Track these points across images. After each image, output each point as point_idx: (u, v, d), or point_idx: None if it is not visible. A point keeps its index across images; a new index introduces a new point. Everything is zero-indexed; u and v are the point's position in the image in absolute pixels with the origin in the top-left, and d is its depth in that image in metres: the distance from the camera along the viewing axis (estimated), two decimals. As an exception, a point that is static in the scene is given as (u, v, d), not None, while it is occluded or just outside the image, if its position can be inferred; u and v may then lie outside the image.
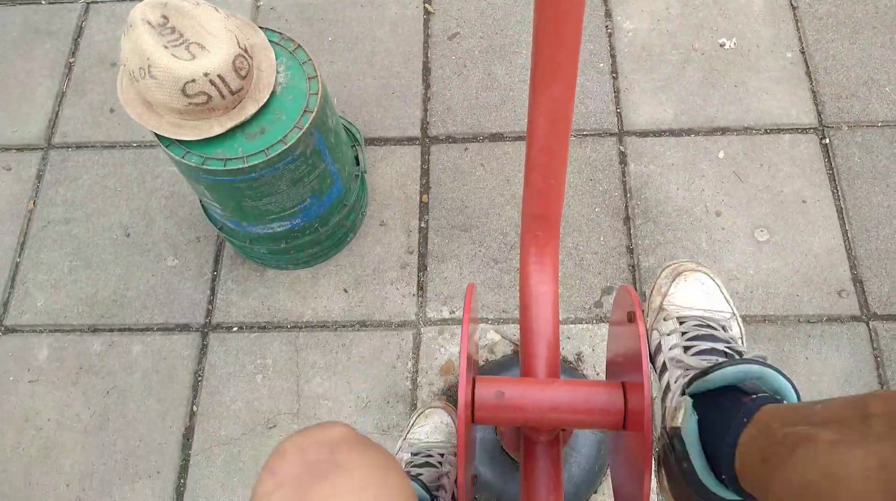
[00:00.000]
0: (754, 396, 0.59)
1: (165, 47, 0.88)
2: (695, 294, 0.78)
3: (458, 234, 1.31)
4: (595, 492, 1.11)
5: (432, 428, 1.06)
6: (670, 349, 0.72)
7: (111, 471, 1.15)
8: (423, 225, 1.32)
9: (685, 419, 0.61)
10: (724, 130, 1.39)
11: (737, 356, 0.68)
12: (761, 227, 1.30)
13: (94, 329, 1.26)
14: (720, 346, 0.69)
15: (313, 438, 0.43)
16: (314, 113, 0.94)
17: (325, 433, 0.43)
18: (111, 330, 1.25)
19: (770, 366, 0.60)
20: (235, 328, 1.25)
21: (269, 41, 0.98)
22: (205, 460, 1.15)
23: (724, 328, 0.74)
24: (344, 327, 1.24)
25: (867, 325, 1.21)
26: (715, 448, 0.58)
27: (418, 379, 1.20)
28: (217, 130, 0.91)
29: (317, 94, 0.96)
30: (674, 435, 0.63)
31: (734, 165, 1.36)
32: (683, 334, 0.72)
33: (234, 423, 1.17)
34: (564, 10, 0.65)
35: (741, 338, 0.75)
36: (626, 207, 1.32)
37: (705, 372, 0.63)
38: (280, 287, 1.27)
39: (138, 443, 1.17)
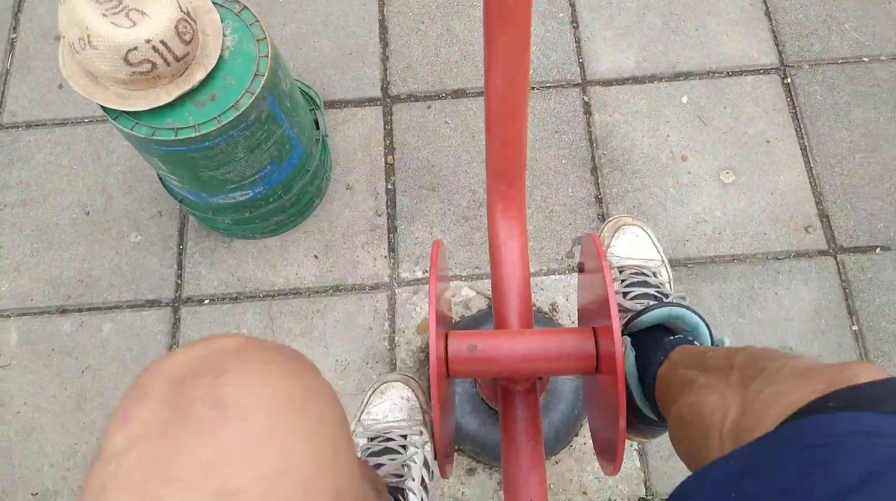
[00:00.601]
0: (672, 337, 0.70)
1: (104, 15, 0.84)
2: (631, 246, 0.91)
3: (426, 194, 1.30)
4: (577, 434, 1.13)
5: (391, 406, 0.95)
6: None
7: (93, 449, 1.14)
8: (389, 187, 1.31)
9: (626, 355, 0.71)
10: (686, 75, 1.38)
11: (664, 299, 0.81)
12: (727, 169, 1.30)
13: (63, 310, 1.23)
14: (651, 290, 0.81)
15: (187, 359, 0.30)
16: (265, 76, 0.92)
17: (204, 351, 0.30)
18: (80, 310, 1.23)
19: (687, 307, 0.72)
20: (207, 301, 1.23)
21: (213, 3, 0.95)
22: (185, 434, 1.14)
23: (654, 274, 0.86)
24: (317, 292, 1.23)
25: (835, 258, 1.23)
26: (645, 379, 0.70)
27: (396, 339, 1.20)
28: (165, 99, 0.89)
29: (267, 56, 0.93)
30: None
31: (698, 109, 1.35)
32: (623, 281, 0.84)
33: (211, 396, 1.17)
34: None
35: (669, 282, 0.89)
36: (593, 157, 1.32)
37: (638, 315, 0.74)
38: (249, 257, 1.26)
39: (116, 423, 1.16)
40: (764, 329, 1.19)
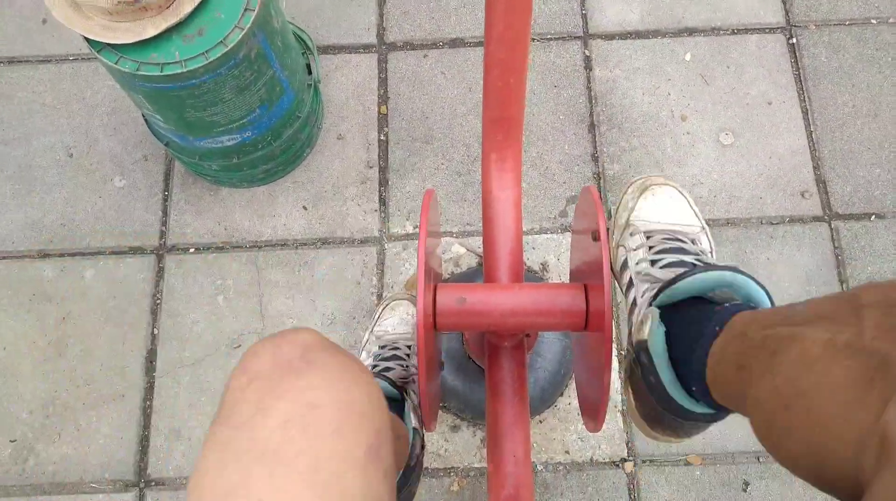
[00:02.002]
0: (726, 304, 0.55)
1: (86, -61, 0.80)
2: (663, 209, 0.74)
3: (420, 146, 1.27)
4: (561, 395, 1.13)
5: (399, 320, 1.04)
6: (637, 263, 0.69)
7: (73, 397, 1.13)
8: (382, 138, 1.28)
9: (652, 330, 0.58)
10: (691, 31, 1.34)
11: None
12: (726, 130, 1.28)
13: (44, 255, 1.21)
14: (689, 258, 0.65)
15: (285, 339, 0.43)
16: (256, 11, 0.88)
17: (296, 336, 0.44)
18: (61, 255, 1.21)
19: (742, 272, 0.57)
20: (192, 250, 1.21)
21: (204, -67, 0.90)
22: (170, 381, 1.14)
23: (693, 241, 0.70)
24: (305, 245, 1.21)
25: (829, 225, 1.22)
26: (684, 360, 0.55)
27: (384, 295, 1.18)
28: (151, 31, 0.85)
29: (258, -9, 0.89)
30: (640, 349, 0.61)
31: (701, 67, 1.32)
32: (651, 248, 0.69)
33: (197, 344, 1.15)
34: None
35: (711, 252, 0.72)
36: (591, 114, 1.29)
37: (673, 281, 0.59)
38: (236, 206, 1.23)
39: (99, 368, 1.14)
40: (755, 294, 1.18)
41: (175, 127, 1.00)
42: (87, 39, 0.87)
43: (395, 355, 0.97)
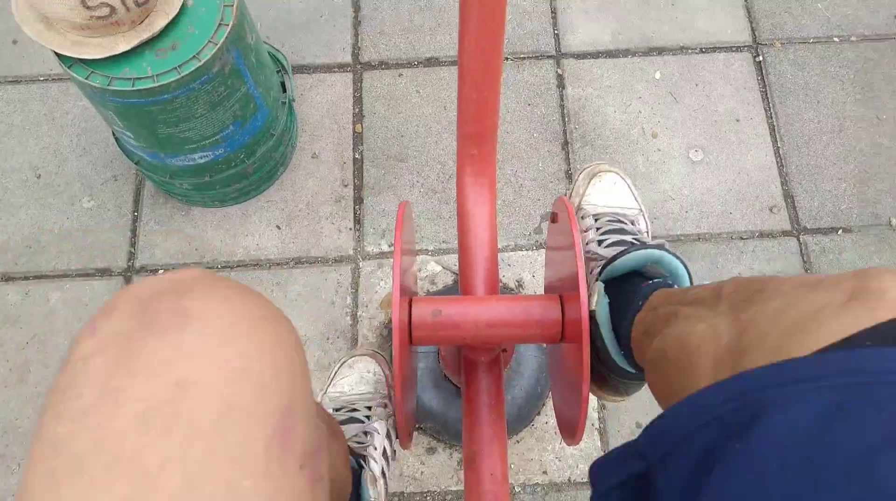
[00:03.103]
0: (652, 281, 0.65)
1: (56, -46, 0.79)
2: (607, 193, 0.86)
3: (395, 164, 1.27)
4: (538, 413, 1.12)
5: (357, 379, 0.96)
6: (587, 244, 0.78)
7: (35, 425, 1.09)
8: (357, 156, 1.27)
9: (598, 302, 0.66)
10: (660, 51, 1.37)
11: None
12: (696, 147, 1.30)
13: (8, 278, 1.18)
14: (628, 238, 0.76)
15: (155, 282, 0.32)
16: (230, 26, 0.87)
17: (172, 277, 0.32)
18: (26, 278, 1.17)
19: (667, 251, 0.67)
20: (161, 271, 1.18)
21: (175, -49, 0.90)
22: (138, 406, 1.10)
23: (632, 222, 0.81)
24: (279, 264, 1.20)
25: (798, 239, 1.24)
26: (620, 328, 0.64)
27: (358, 314, 1.17)
28: (123, 46, 0.84)
29: (232, 6, 0.89)
30: (590, 319, 0.68)
31: (670, 85, 1.35)
32: (598, 229, 0.79)
33: (167, 367, 1.12)
34: None
35: (647, 232, 0.83)
36: (565, 131, 1.30)
37: (613, 259, 0.69)
38: (207, 226, 1.21)
39: (65, 393, 1.11)
40: (729, 307, 1.19)
41: (146, 144, 0.99)
42: (57, 55, 0.86)
43: (352, 417, 0.87)
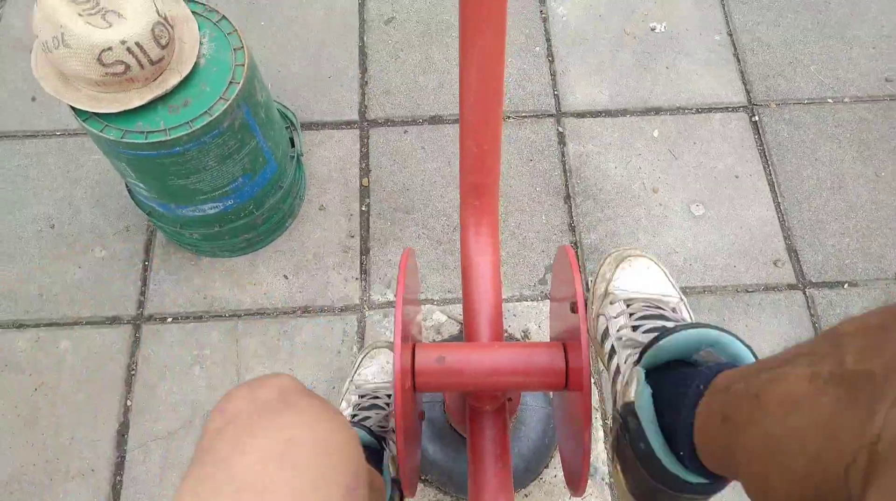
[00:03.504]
0: (710, 364, 0.53)
1: (80, 15, 0.84)
2: (640, 278, 0.75)
3: (401, 216, 1.29)
4: (546, 466, 1.10)
5: (378, 369, 1.02)
6: (618, 330, 0.69)
7: (41, 472, 1.09)
8: (364, 208, 1.30)
9: (638, 391, 0.55)
10: (657, 111, 1.41)
11: None
12: (697, 202, 1.32)
13: (19, 325, 1.19)
14: (670, 324, 0.64)
15: (262, 383, 0.44)
16: (241, 84, 0.91)
17: (274, 380, 0.45)
18: (37, 326, 1.19)
19: (726, 331, 0.55)
20: (170, 319, 1.19)
21: (193, 12, 0.95)
22: (141, 455, 1.09)
23: (673, 310, 0.70)
24: (285, 313, 1.21)
25: (804, 292, 1.25)
26: (671, 423, 0.52)
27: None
28: (137, 101, 0.88)
29: (243, 65, 0.93)
30: (627, 413, 0.58)
31: (668, 143, 1.38)
32: (631, 314, 0.68)
33: (171, 416, 1.12)
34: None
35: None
36: (567, 185, 1.33)
37: (656, 340, 0.58)
38: (216, 275, 1.23)
39: (69, 442, 1.10)
40: (734, 360, 1.18)
41: (158, 195, 1.02)
42: (74, 109, 0.90)
43: (374, 404, 0.95)
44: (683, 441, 0.49)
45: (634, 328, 0.66)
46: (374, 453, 0.84)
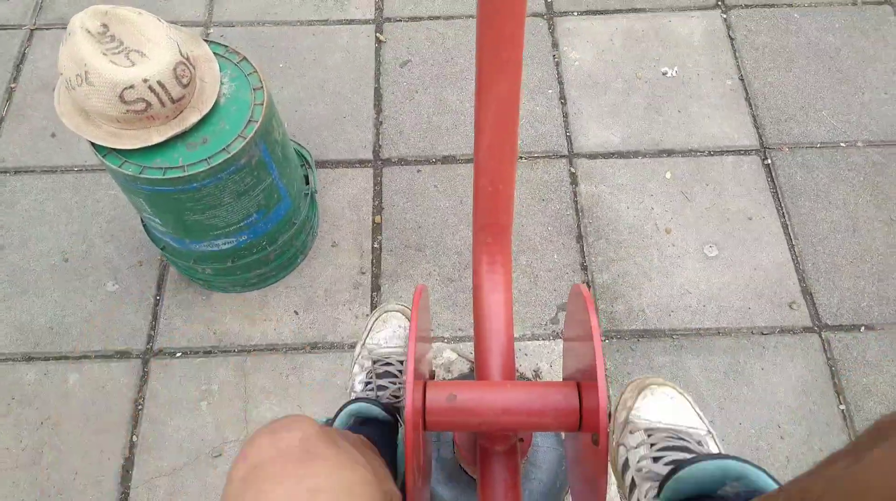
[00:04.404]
0: (738, 493, 0.51)
1: (104, 54, 0.86)
2: (664, 408, 0.72)
3: (412, 254, 1.29)
4: (556, 512, 1.07)
5: (391, 333, 0.99)
6: (638, 461, 0.66)
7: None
8: (375, 246, 1.30)
9: None
10: (669, 153, 1.42)
11: None
12: (710, 243, 1.32)
13: (29, 358, 1.19)
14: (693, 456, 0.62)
15: (284, 428, 0.45)
16: (259, 123, 0.93)
17: (295, 425, 0.46)
18: (46, 359, 1.18)
19: (752, 464, 0.52)
20: (179, 354, 1.19)
21: (214, 54, 0.97)
22: (146, 492, 1.08)
23: (699, 443, 0.66)
24: (295, 349, 1.20)
25: (819, 335, 1.23)
26: None
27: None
28: (156, 138, 0.89)
29: (262, 104, 0.94)
30: None
31: (681, 185, 1.38)
32: (653, 445, 0.66)
33: (176, 452, 1.11)
34: (507, 4, 0.66)
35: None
36: (579, 225, 1.33)
37: (674, 471, 0.55)
38: (227, 310, 1.23)
39: (74, 477, 1.09)
40: (752, 407, 1.16)
41: (173, 230, 1.02)
42: (93, 145, 0.91)
43: (387, 371, 0.92)
44: None
45: (655, 459, 0.63)
46: (387, 428, 0.81)
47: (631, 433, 0.71)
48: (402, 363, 0.95)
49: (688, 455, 0.61)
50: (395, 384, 0.91)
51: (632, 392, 0.76)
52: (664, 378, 0.77)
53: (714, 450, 0.67)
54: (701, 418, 0.72)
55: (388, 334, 0.99)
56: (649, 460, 0.64)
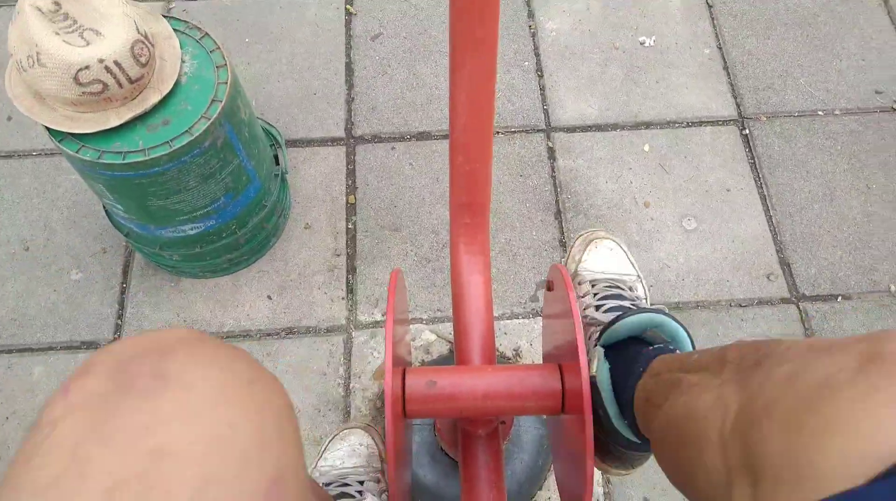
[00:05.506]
0: (653, 346, 0.63)
1: (56, 34, 0.81)
2: (605, 260, 0.85)
3: (388, 234, 1.27)
4: (540, 489, 1.07)
5: (349, 452, 0.93)
6: (584, 309, 0.77)
7: (10, 508, 1.04)
8: (350, 226, 1.27)
9: (599, 367, 0.64)
10: (647, 125, 1.40)
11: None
12: (689, 216, 1.31)
13: (-10, 352, 1.14)
14: (626, 303, 0.75)
15: (136, 342, 0.30)
16: (223, 102, 0.88)
17: (155, 336, 0.31)
18: (10, 351, 1.14)
19: (668, 315, 0.65)
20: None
21: (174, 30, 0.92)
22: (117, 488, 1.05)
23: (630, 288, 0.80)
24: (269, 335, 1.17)
25: (797, 306, 1.23)
26: (622, 395, 0.62)
27: (351, 385, 1.13)
28: (114, 121, 0.84)
29: (226, 83, 0.90)
30: (591, 385, 0.66)
31: (659, 157, 1.36)
32: (595, 295, 0.78)
33: (150, 445, 1.08)
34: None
35: (646, 299, 0.82)
36: (557, 201, 1.31)
37: (613, 322, 0.67)
38: (197, 297, 1.19)
39: (41, 475, 1.06)
40: (730, 377, 1.16)
41: (136, 216, 0.98)
42: (49, 129, 0.87)
43: (343, 493, 0.85)
44: (629, 410, 0.60)
45: (597, 308, 0.75)
46: None
47: (579, 284, 0.83)
48: (361, 483, 0.86)
49: (622, 303, 0.75)
50: None
51: (580, 247, 0.89)
52: (606, 232, 0.90)
53: (640, 292, 0.82)
54: (633, 264, 0.86)
55: (346, 452, 0.94)
56: (593, 308, 0.76)
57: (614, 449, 0.66)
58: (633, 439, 0.61)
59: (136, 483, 0.24)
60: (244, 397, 0.28)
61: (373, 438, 1.00)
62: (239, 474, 0.26)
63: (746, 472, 0.34)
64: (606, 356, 0.66)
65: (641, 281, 0.83)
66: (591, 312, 0.75)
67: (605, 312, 0.74)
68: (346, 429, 0.99)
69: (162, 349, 0.29)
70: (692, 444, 0.42)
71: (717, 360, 0.46)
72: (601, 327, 0.69)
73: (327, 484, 0.86)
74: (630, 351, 0.65)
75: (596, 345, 0.68)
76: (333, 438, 0.98)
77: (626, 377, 0.61)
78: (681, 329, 0.65)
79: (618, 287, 0.79)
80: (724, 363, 0.45)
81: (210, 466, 0.25)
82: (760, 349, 0.41)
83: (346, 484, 0.85)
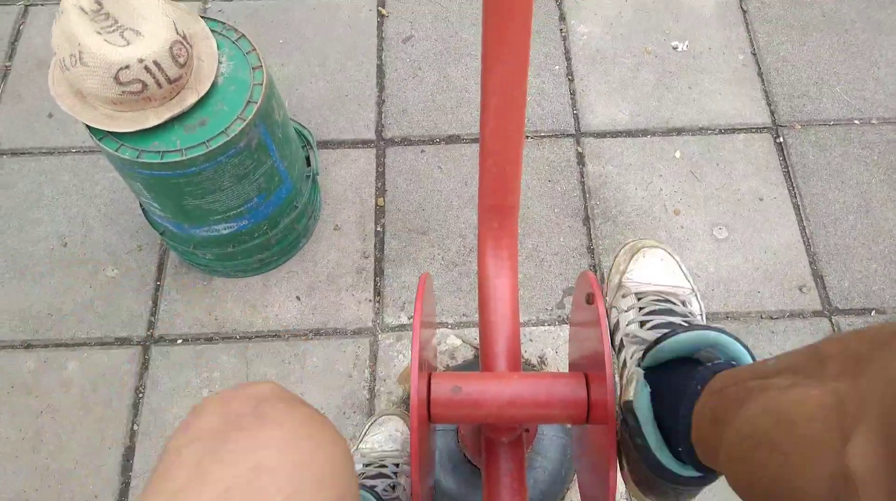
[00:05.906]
0: (709, 364, 0.56)
1: (98, 33, 0.83)
2: (654, 270, 0.76)
3: (416, 237, 1.27)
4: (563, 498, 1.07)
5: (386, 437, 0.99)
6: (627, 324, 0.70)
7: (43, 498, 1.06)
8: (379, 229, 1.28)
9: (637, 391, 0.58)
10: (679, 131, 1.38)
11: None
12: (720, 225, 1.29)
13: (28, 345, 1.17)
14: (677, 319, 0.65)
15: (237, 392, 0.38)
16: (259, 104, 0.90)
17: (251, 388, 0.38)
18: (45, 346, 1.17)
19: (725, 332, 0.57)
20: (180, 341, 1.17)
21: (211, 31, 0.94)
22: (146, 481, 1.07)
23: (683, 303, 0.71)
24: (297, 336, 1.18)
25: (829, 320, 1.20)
26: (670, 421, 0.55)
27: (376, 388, 1.14)
28: (153, 121, 0.86)
29: (261, 84, 0.91)
30: (626, 410, 0.61)
31: (690, 164, 1.35)
32: (641, 309, 0.70)
33: (178, 440, 1.10)
34: (514, -20, 0.63)
35: (701, 315, 0.71)
36: (586, 207, 1.30)
37: (657, 341, 0.60)
38: (228, 296, 1.21)
39: (74, 466, 1.08)
40: (760, 389, 1.14)
41: (172, 215, 1.00)
42: (89, 128, 0.89)
43: (381, 473, 0.91)
44: (681, 439, 0.53)
45: (642, 324, 0.67)
46: None
47: (623, 296, 0.74)
48: (397, 466, 0.93)
49: (671, 319, 0.66)
50: (388, 484, 0.90)
51: (625, 256, 0.80)
52: (656, 240, 0.80)
53: (695, 308, 0.72)
54: (687, 277, 0.76)
55: (384, 437, 1.01)
56: (636, 325, 0.68)
57: (658, 484, 0.58)
58: (681, 473, 0.54)
59: (243, 488, 0.32)
60: (319, 434, 0.37)
61: (408, 425, 1.04)
62: (317, 491, 0.34)
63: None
64: (650, 379, 0.59)
65: (696, 295, 0.73)
66: (633, 328, 0.68)
67: (651, 328, 0.65)
68: (384, 415, 1.04)
69: (258, 396, 0.37)
70: (797, 452, 0.36)
71: (809, 358, 0.40)
72: (645, 345, 0.62)
73: (367, 465, 0.93)
74: (678, 373, 0.58)
75: (638, 366, 0.62)
76: (373, 423, 1.03)
77: (678, 398, 0.53)
78: (741, 348, 0.57)
79: (668, 301, 0.70)
80: (823, 360, 0.39)
81: (296, 482, 0.33)
82: (874, 338, 0.36)
83: (384, 466, 0.92)
